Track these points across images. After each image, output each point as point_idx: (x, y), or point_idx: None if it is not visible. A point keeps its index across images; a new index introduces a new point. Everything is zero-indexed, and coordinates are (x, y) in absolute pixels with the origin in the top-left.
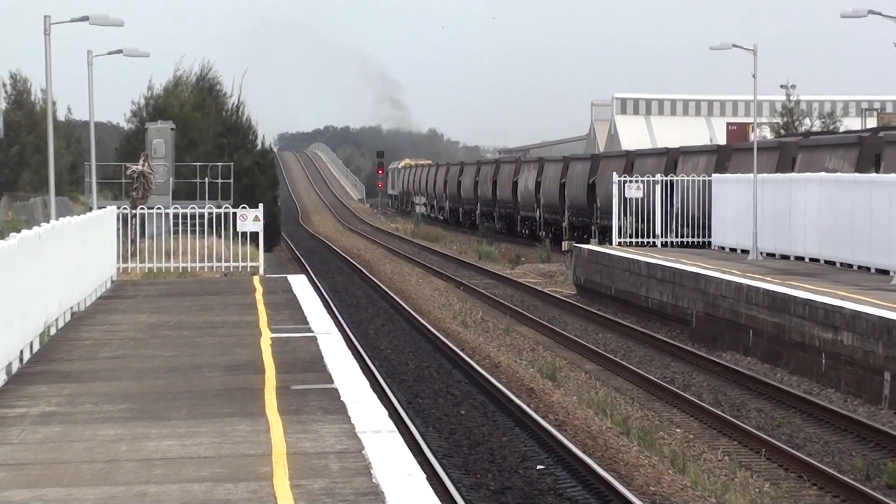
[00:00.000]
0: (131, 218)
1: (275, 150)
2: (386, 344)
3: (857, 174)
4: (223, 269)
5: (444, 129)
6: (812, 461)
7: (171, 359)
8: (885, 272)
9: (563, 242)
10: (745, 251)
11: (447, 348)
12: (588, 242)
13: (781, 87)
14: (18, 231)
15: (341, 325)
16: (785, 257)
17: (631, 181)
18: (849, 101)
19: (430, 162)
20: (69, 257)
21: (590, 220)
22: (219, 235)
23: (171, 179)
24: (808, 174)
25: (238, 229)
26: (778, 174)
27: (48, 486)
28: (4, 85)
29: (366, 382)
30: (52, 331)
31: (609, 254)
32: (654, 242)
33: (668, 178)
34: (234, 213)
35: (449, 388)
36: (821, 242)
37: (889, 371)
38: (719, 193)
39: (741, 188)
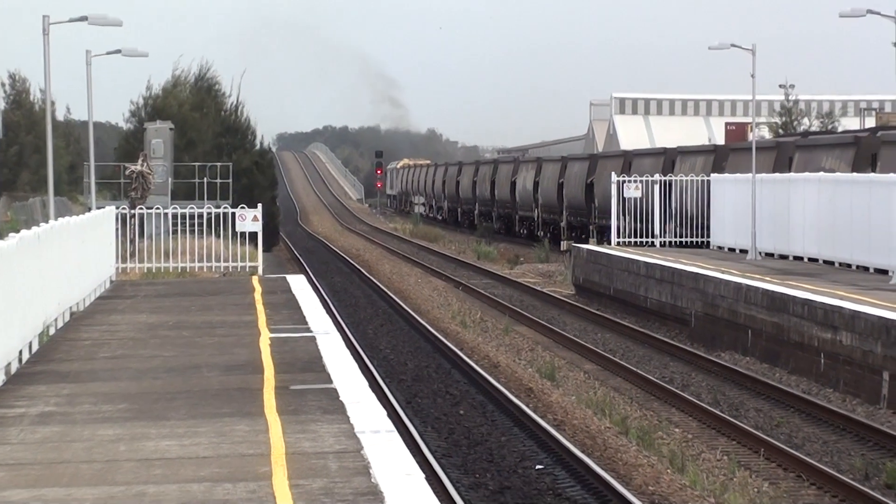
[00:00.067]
0: (130, 218)
1: (273, 150)
2: (385, 344)
3: (855, 174)
4: (222, 269)
5: (443, 129)
6: (811, 461)
7: (170, 359)
8: (884, 272)
9: (561, 242)
10: (743, 251)
11: (446, 348)
12: (586, 242)
13: (780, 86)
14: (17, 231)
15: (340, 325)
16: (784, 257)
17: (630, 181)
18: (847, 100)
19: (428, 162)
20: (68, 257)
21: (588, 220)
22: (217, 235)
23: (169, 179)
24: (806, 174)
25: (237, 229)
26: (777, 174)
27: (47, 486)
28: (3, 85)
29: (365, 382)
30: (51, 331)
31: (608, 254)
32: (652, 242)
33: (668, 177)
34: (233, 213)
35: (448, 387)
36: (820, 242)
37: (888, 371)
38: (718, 193)
39: (740, 188)
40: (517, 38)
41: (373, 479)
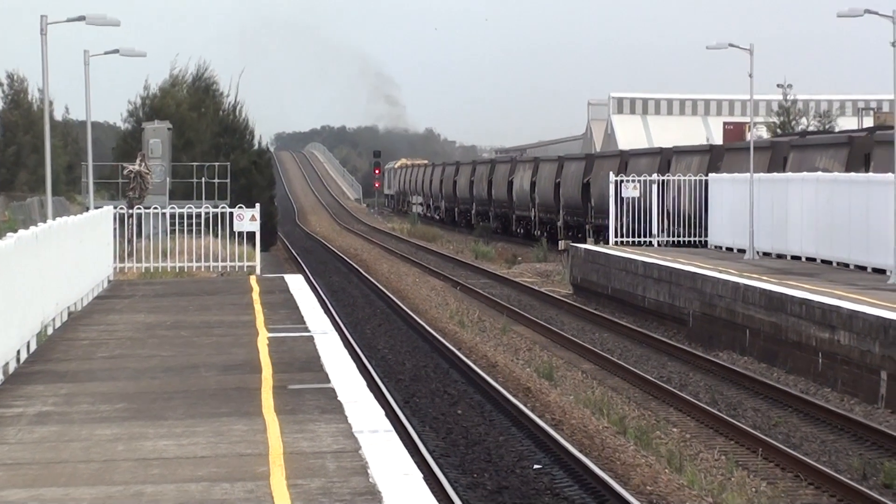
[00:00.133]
0: (128, 218)
1: (271, 149)
2: (383, 343)
3: (853, 174)
4: (220, 269)
5: (441, 129)
6: (809, 460)
7: (167, 358)
8: (882, 271)
9: (559, 242)
10: (741, 250)
11: (444, 348)
12: (582, 241)
13: (778, 86)
14: (15, 231)
15: (338, 324)
16: (781, 257)
17: (628, 181)
18: (845, 100)
19: (426, 162)
20: (66, 257)
21: (584, 220)
22: (215, 235)
23: (167, 179)
24: (804, 173)
25: (235, 229)
26: (775, 173)
27: (45, 486)
28: (1, 85)
29: (363, 382)
30: (49, 331)
31: (606, 253)
32: (650, 242)
33: (666, 177)
34: (231, 213)
35: (446, 387)
36: (817, 242)
37: (885, 370)
38: (716, 193)
39: (738, 188)
40: (515, 37)
41: (371, 479)
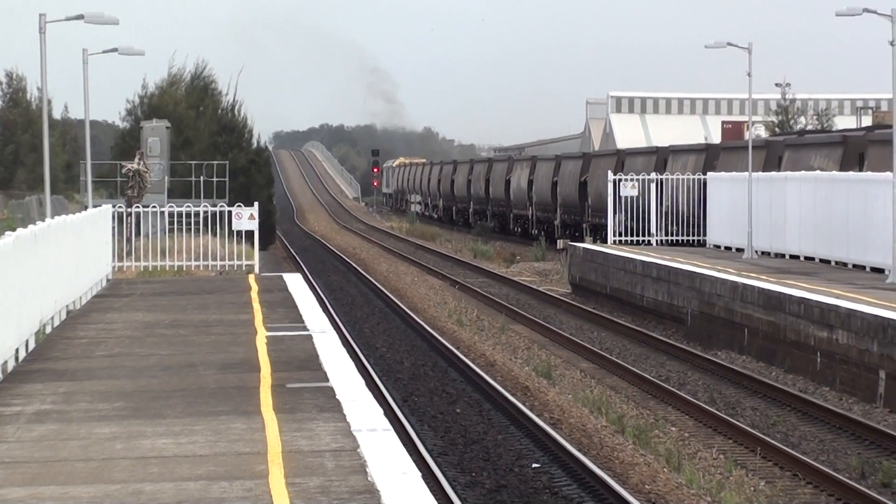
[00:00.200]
0: (127, 216)
1: (270, 148)
2: (381, 342)
3: (852, 173)
4: (218, 268)
5: (440, 128)
6: (807, 459)
7: (166, 357)
8: (881, 271)
9: (558, 241)
10: (739, 249)
11: (442, 347)
12: (580, 240)
13: (777, 85)
14: (14, 230)
15: (337, 323)
16: (780, 256)
17: (626, 180)
18: (843, 99)
19: (424, 160)
20: (65, 256)
21: (581, 219)
22: (214, 234)
23: (166, 178)
24: (803, 172)
25: (233, 228)
26: (773, 173)
27: (44, 485)
28: (0, 84)
29: (361, 381)
30: (48, 329)
31: (604, 252)
32: (648, 241)
33: (665, 176)
34: (230, 212)
35: (444, 386)
36: (816, 241)
37: (884, 369)
38: (714, 192)
39: (736, 187)
40: (514, 36)
41: (369, 478)
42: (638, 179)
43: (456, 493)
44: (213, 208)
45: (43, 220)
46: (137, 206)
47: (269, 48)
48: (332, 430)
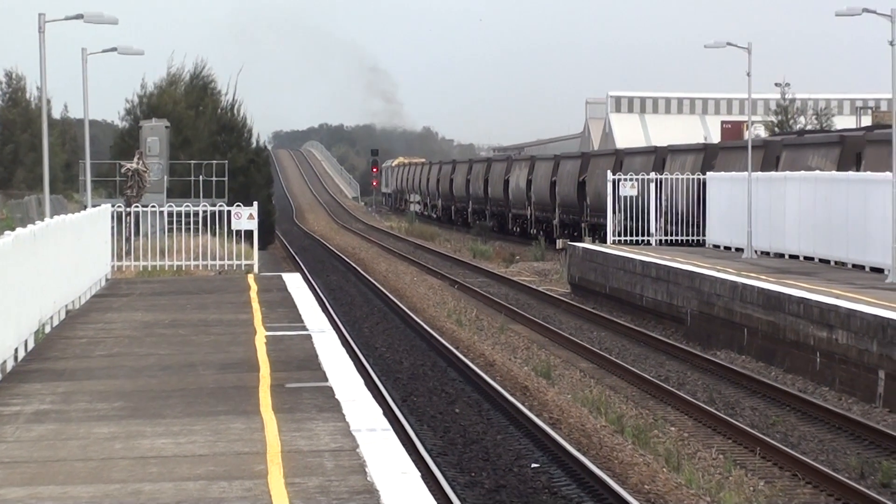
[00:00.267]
0: (126, 216)
1: (269, 148)
2: (380, 342)
3: (851, 173)
4: (218, 268)
5: (439, 128)
6: (806, 459)
7: (165, 357)
8: (880, 270)
9: (557, 241)
10: (739, 249)
11: (442, 346)
12: (578, 240)
13: (776, 85)
14: (13, 229)
15: (336, 323)
16: (779, 256)
17: (626, 179)
18: (843, 99)
19: (423, 160)
20: (64, 256)
21: (580, 218)
22: (213, 233)
23: (165, 177)
24: (802, 172)
25: (232, 227)
26: (773, 172)
27: (43, 485)
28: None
29: (360, 381)
30: (47, 329)
31: (604, 252)
32: (648, 241)
33: (664, 176)
34: (229, 212)
35: (443, 386)
36: (815, 241)
37: (883, 369)
38: (713, 191)
39: (735, 186)
40: (514, 36)
41: (368, 478)
42: (637, 179)
43: (455, 493)
44: (213, 208)
45: (42, 220)
46: (136, 206)
47: (269, 48)
48: (331, 430)
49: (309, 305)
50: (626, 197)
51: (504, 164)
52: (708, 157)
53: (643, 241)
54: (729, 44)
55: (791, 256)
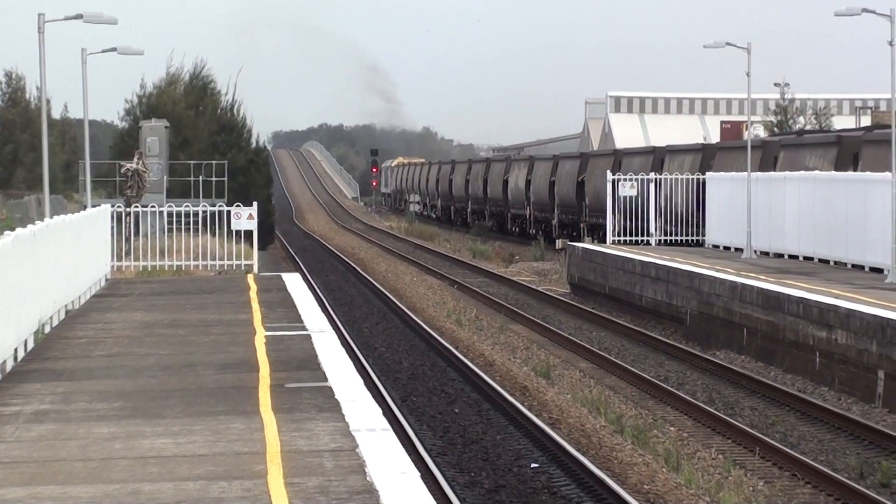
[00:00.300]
0: (126, 216)
1: (269, 148)
2: (380, 342)
3: (851, 173)
4: (217, 268)
5: (439, 128)
6: (806, 459)
7: (165, 357)
8: (879, 270)
9: (556, 241)
10: (738, 249)
11: (441, 346)
12: (577, 240)
13: (775, 85)
14: (13, 229)
15: (335, 323)
16: (779, 256)
17: (625, 179)
18: (843, 99)
19: (422, 160)
20: (63, 256)
21: (579, 218)
22: (213, 234)
23: (165, 178)
24: (802, 172)
25: (232, 227)
26: (772, 173)
27: (42, 485)
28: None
29: (360, 381)
30: (47, 329)
31: (603, 252)
32: (647, 241)
33: (664, 176)
34: (229, 212)
35: (443, 386)
36: (815, 241)
37: (883, 369)
38: (713, 192)
39: (735, 186)
40: (513, 36)
41: (368, 478)
42: (637, 179)
43: (455, 492)
44: (212, 208)
45: (42, 220)
46: (136, 206)
47: (269, 48)
48: (330, 430)
49: (308, 305)
50: (624, 197)
51: (503, 164)
52: (706, 157)
53: (643, 241)
54: (728, 44)
55: (790, 256)
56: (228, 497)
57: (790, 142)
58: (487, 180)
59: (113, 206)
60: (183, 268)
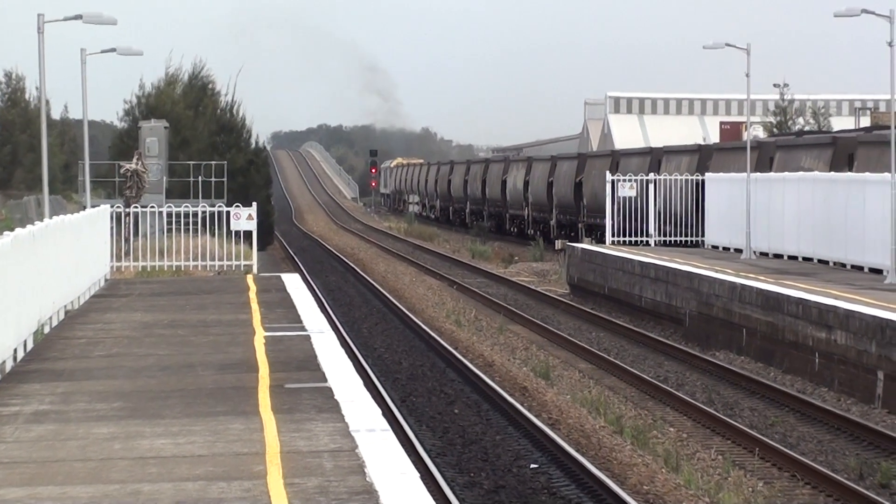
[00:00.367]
0: (125, 216)
1: (268, 148)
2: (379, 343)
3: (851, 173)
4: (217, 268)
5: (438, 128)
6: (805, 460)
7: (164, 357)
8: (879, 271)
9: (556, 242)
10: (738, 250)
11: (441, 347)
12: (575, 240)
13: (775, 85)
14: (12, 230)
15: (335, 323)
16: (778, 256)
17: (624, 180)
18: (842, 100)
19: (421, 161)
20: (63, 256)
21: (577, 219)
22: (212, 234)
23: (164, 178)
24: (801, 173)
25: (232, 228)
26: (772, 173)
27: (42, 485)
28: None
29: (359, 381)
30: (46, 329)
31: (602, 253)
32: (647, 241)
33: (662, 176)
34: (228, 212)
35: (442, 386)
36: (814, 242)
37: (882, 370)
38: (712, 192)
39: (734, 187)
40: (514, 37)
41: (367, 478)
42: (636, 180)
43: (454, 493)
44: (212, 208)
45: (41, 220)
46: (136, 207)
47: (269, 48)
48: (330, 431)
49: (308, 306)
50: (624, 198)
51: (501, 164)
52: (702, 158)
53: (642, 241)
54: (728, 44)
55: (790, 257)
56: (228, 497)
57: (786, 143)
58: (486, 181)
59: (112, 206)
60: (182, 268)
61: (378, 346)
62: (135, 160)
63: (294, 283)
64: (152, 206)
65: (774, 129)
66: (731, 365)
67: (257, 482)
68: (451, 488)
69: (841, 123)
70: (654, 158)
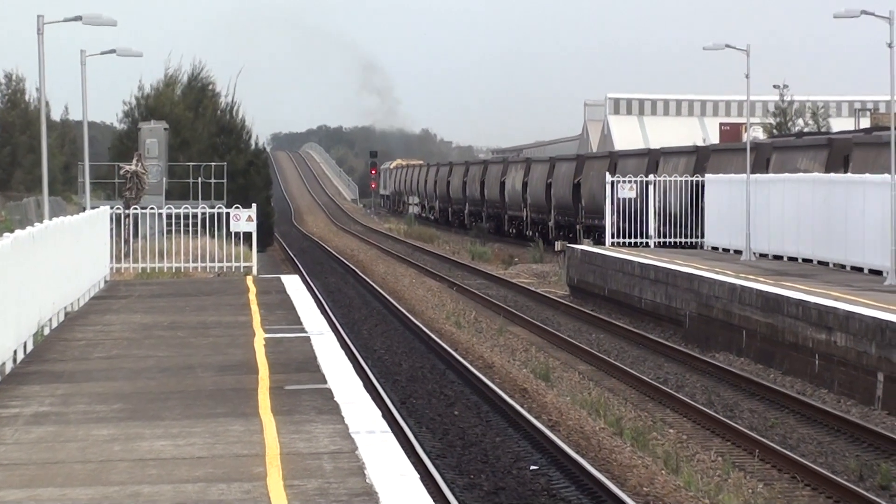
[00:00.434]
0: (125, 218)
1: (268, 149)
2: (379, 344)
3: (851, 174)
4: (216, 270)
5: (438, 130)
6: (805, 462)
7: (164, 359)
8: (879, 273)
9: (555, 243)
10: (737, 251)
11: (440, 349)
12: (574, 241)
13: (774, 87)
14: (11, 231)
15: (335, 325)
16: (778, 258)
17: (624, 181)
18: (842, 101)
19: (421, 162)
20: (63, 257)
21: (575, 220)
22: (212, 235)
23: (164, 179)
24: (801, 174)
25: (231, 229)
26: (771, 174)
27: (42, 487)
28: None
29: (359, 383)
30: (46, 331)
31: (602, 254)
32: (646, 243)
33: (662, 177)
34: (228, 214)
35: (442, 388)
36: (814, 243)
37: (882, 372)
38: (712, 193)
39: (734, 188)
40: (513, 38)
41: (367, 480)
42: (635, 181)
43: (454, 495)
44: (211, 210)
45: (41, 222)
46: (135, 208)
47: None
48: (330, 432)
49: (308, 307)
50: (623, 199)
51: (500, 166)
52: (700, 159)
53: (641, 243)
54: (728, 46)
55: (789, 258)
56: (227, 499)
57: (782, 144)
58: (484, 182)
59: (112, 207)
60: (182, 270)
61: (378, 348)
62: (134, 161)
63: (294, 285)
64: (152, 208)
65: (774, 131)
66: (731, 366)
67: (257, 484)
68: (451, 490)
69: (841, 124)
70: (652, 159)
